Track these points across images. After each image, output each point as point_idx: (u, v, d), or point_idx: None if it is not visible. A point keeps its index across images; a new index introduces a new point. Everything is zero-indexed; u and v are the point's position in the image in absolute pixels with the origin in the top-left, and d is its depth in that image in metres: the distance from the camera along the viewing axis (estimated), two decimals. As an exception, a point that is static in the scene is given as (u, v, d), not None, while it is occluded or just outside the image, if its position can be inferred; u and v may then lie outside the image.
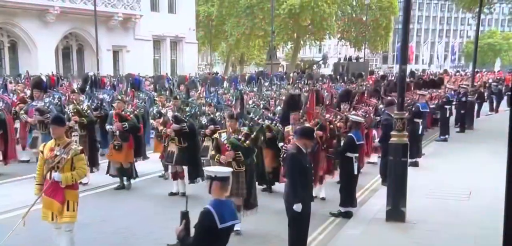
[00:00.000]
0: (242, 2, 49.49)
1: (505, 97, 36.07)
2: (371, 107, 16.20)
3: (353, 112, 14.03)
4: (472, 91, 25.41)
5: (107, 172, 12.95)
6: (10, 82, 21.73)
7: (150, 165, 14.73)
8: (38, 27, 37.37)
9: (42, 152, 7.44)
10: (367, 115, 14.91)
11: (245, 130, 9.72)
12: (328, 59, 76.31)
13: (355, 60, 61.61)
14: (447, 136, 21.41)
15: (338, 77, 38.38)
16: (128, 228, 10.28)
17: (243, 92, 19.93)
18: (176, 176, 12.26)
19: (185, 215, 6.07)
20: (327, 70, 67.32)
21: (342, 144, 12.52)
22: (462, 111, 23.82)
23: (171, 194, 12.20)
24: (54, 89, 18.11)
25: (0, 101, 14.64)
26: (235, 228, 8.29)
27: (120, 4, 40.44)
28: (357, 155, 11.65)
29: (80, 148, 7.51)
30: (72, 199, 7.26)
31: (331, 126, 12.19)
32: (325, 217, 11.09)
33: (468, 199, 12.62)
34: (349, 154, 11.40)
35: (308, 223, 8.93)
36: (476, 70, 59.78)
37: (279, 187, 12.05)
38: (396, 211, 10.70)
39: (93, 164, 13.09)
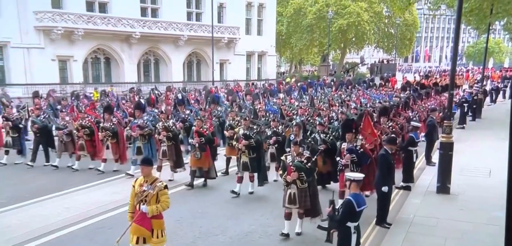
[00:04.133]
0: (304, 22, 49.19)
1: (501, 92, 35.17)
2: (404, 118, 15.04)
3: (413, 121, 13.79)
4: (481, 91, 25.47)
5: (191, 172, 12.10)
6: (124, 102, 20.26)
7: (220, 162, 13.74)
8: (172, 49, 38.16)
9: (133, 186, 6.75)
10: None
11: (307, 153, 8.73)
12: (365, 61, 75.76)
13: (387, 62, 61.17)
14: (464, 125, 21.35)
15: (370, 83, 35.57)
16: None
17: (298, 107, 17.69)
18: (242, 179, 11.42)
19: (332, 202, 7.00)
20: (363, 68, 67.10)
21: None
22: (474, 106, 23.73)
23: (233, 191, 11.28)
24: (153, 108, 17.06)
25: (114, 117, 13.89)
26: (296, 230, 8.69)
27: (226, 32, 40.86)
28: (416, 148, 11.98)
29: (165, 184, 6.71)
30: (157, 228, 6.62)
31: (379, 141, 11.04)
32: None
33: (489, 176, 12.71)
34: (410, 148, 11.79)
35: (390, 198, 9.63)
36: (472, 67, 58.55)
37: (334, 185, 11.24)
38: (444, 186, 11.09)
39: (179, 165, 12.61)
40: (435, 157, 14.11)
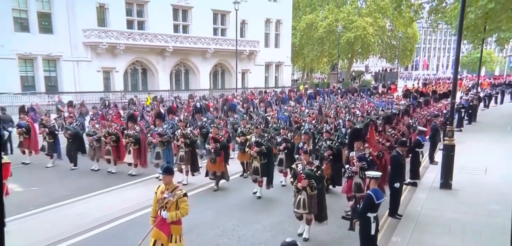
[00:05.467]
0: (316, 36, 49.21)
1: (493, 98, 34.94)
2: (404, 125, 14.54)
3: (419, 126, 14.14)
4: (476, 98, 25.50)
5: (206, 175, 11.80)
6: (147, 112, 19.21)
7: (235, 166, 13.48)
8: (200, 61, 38.52)
9: (156, 193, 6.43)
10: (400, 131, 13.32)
11: (316, 162, 8.42)
12: (370, 69, 75.63)
13: (390, 71, 61.18)
14: (461, 128, 21.41)
15: (373, 90, 34.83)
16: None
17: (308, 114, 17.33)
18: (261, 183, 11.14)
19: (354, 196, 7.36)
20: (368, 76, 66.97)
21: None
22: (470, 111, 23.82)
23: (254, 193, 11.20)
24: (174, 116, 16.52)
25: (138, 126, 13.48)
26: (304, 236, 8.30)
27: (248, 45, 41.01)
28: (422, 149, 12.16)
29: (184, 191, 6.36)
30: (176, 233, 6.28)
31: (384, 148, 10.86)
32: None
33: (485, 174, 12.85)
34: (417, 149, 11.94)
35: (401, 192, 9.84)
36: (466, 75, 58.08)
37: (337, 189, 11.08)
38: (446, 182, 11.33)
39: (195, 169, 12.25)
40: (437, 157, 14.43)
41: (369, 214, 6.83)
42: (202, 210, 9.92)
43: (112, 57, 32.69)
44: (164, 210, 6.16)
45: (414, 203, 10.31)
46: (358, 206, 7.37)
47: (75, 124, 15.14)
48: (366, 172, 7.79)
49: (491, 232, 8.42)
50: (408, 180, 11.88)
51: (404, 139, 10.98)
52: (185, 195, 6.30)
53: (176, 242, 6.28)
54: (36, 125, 15.52)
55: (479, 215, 9.40)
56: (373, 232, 6.86)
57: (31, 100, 25.06)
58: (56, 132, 14.73)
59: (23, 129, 14.58)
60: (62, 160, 14.61)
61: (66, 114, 17.14)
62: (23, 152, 14.83)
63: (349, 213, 7.58)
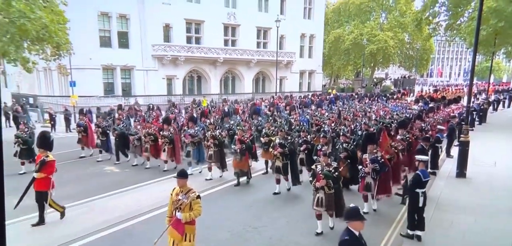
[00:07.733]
0: (342, 47, 49.01)
1: (501, 103, 34.08)
2: (417, 129, 12.94)
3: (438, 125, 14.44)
4: (486, 102, 25.27)
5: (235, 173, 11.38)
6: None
7: (259, 164, 13.16)
8: (245, 69, 39.25)
9: (171, 195, 5.92)
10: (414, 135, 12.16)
11: (334, 164, 7.92)
12: (389, 76, 74.54)
13: (408, 77, 60.32)
14: (473, 128, 20.96)
15: (389, 95, 33.12)
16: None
17: (328, 117, 16.44)
18: (279, 181, 10.60)
19: (405, 177, 7.65)
20: (388, 82, 66.09)
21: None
22: (481, 113, 23.59)
23: (274, 193, 10.48)
24: (206, 118, 16.23)
25: (171, 128, 13.18)
26: (330, 225, 7.91)
27: (285, 56, 41.38)
28: (441, 145, 12.53)
29: (197, 194, 5.83)
30: (190, 232, 5.82)
31: (396, 151, 10.15)
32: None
33: (494, 166, 13.00)
34: (437, 144, 12.28)
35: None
36: (475, 82, 56.40)
37: (354, 188, 10.51)
38: (461, 172, 11.62)
39: (223, 166, 11.90)
40: (453, 151, 14.61)
41: (417, 190, 7.13)
42: (256, 191, 10.56)
43: (174, 67, 34.08)
44: (178, 211, 5.77)
45: (435, 189, 10.55)
46: (408, 184, 7.73)
47: (122, 125, 15.03)
48: (416, 156, 7.88)
49: (499, 213, 8.75)
50: (428, 170, 12.19)
51: (427, 135, 11.36)
52: (198, 197, 5.85)
53: (190, 241, 5.87)
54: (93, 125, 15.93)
55: (489, 199, 9.70)
56: (420, 205, 7.15)
57: (112, 102, 26.75)
58: (108, 132, 14.82)
59: (82, 127, 15.14)
60: (113, 154, 14.66)
61: (116, 115, 17.45)
62: (82, 148, 15.31)
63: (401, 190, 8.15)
